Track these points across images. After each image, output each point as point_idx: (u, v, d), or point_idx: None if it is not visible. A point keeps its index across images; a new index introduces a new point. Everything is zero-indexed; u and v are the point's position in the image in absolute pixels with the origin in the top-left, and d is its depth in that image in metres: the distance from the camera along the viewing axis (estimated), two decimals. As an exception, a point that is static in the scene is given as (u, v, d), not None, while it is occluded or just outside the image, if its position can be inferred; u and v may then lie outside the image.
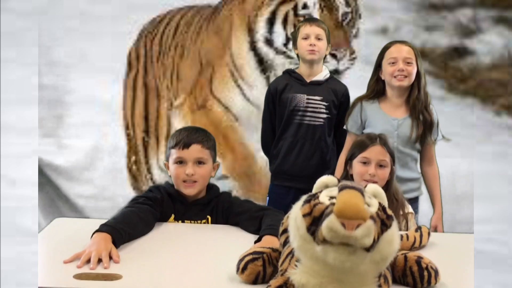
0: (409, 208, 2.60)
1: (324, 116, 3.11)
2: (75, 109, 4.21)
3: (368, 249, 1.38)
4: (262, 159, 4.09)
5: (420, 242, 2.05)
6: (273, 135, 3.22)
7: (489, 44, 4.23)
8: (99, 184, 4.20)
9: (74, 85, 4.19)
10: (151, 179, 4.25)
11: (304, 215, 1.44)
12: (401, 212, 2.53)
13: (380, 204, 1.45)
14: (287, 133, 3.14)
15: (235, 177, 4.16)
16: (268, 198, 3.28)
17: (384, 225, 1.42)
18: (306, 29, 3.07)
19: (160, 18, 4.22)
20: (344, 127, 3.04)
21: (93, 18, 4.18)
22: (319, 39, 3.06)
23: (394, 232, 1.44)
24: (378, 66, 2.97)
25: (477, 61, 4.21)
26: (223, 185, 4.07)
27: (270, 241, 1.93)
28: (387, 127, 2.87)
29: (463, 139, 3.92)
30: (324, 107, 3.10)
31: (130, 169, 4.22)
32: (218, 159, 3.37)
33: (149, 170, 4.25)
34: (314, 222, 1.42)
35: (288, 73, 3.20)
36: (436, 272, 1.66)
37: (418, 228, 2.10)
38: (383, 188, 2.45)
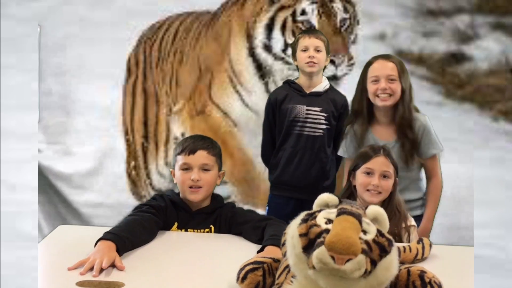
0: (411, 221, 2.59)
1: (324, 127, 3.11)
2: (74, 115, 4.22)
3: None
4: (260, 165, 4.09)
5: (423, 254, 2.06)
6: (273, 145, 3.23)
7: (486, 50, 4.24)
8: (99, 189, 4.21)
9: (74, 91, 4.21)
10: (150, 184, 4.26)
11: (301, 235, 1.43)
12: (403, 225, 2.52)
13: (378, 230, 1.44)
14: (286, 143, 3.15)
15: (234, 183, 4.17)
16: (267, 207, 3.28)
17: (383, 251, 1.41)
18: (305, 41, 3.08)
19: (159, 24, 4.24)
20: (338, 153, 3.03)
21: (93, 24, 4.20)
22: (318, 51, 3.06)
23: (393, 258, 1.44)
24: (362, 83, 2.88)
25: (474, 67, 4.22)
26: (222, 190, 4.07)
27: (272, 251, 1.93)
28: None
29: (461, 145, 3.94)
30: (323, 118, 3.11)
31: (129, 175, 4.23)
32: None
33: (148, 176, 4.26)
34: (310, 243, 1.41)
35: (288, 83, 3.20)
36: (440, 286, 1.62)
37: (420, 240, 2.11)
38: (386, 199, 2.49)
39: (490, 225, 3.22)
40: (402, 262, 1.95)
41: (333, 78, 3.98)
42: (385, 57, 2.90)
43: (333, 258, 1.35)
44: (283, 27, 4.03)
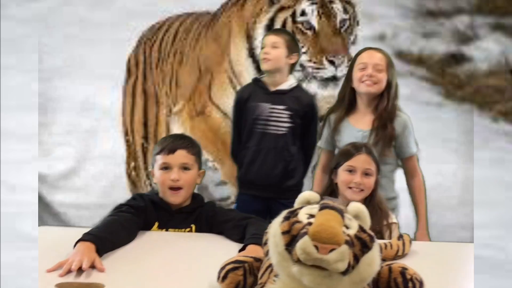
0: (393, 218, 2.59)
1: (288, 125, 3.04)
2: (74, 116, 4.22)
3: (344, 273, 1.38)
4: (260, 165, 4.10)
5: (403, 250, 2.06)
6: (239, 143, 3.19)
7: (486, 50, 4.25)
8: (98, 190, 4.21)
9: (74, 91, 4.21)
10: (150, 185, 4.26)
11: (283, 233, 1.44)
12: (384, 222, 2.52)
13: (360, 226, 1.45)
14: (250, 142, 3.10)
15: (233, 183, 4.16)
16: (235, 205, 3.26)
17: (365, 247, 1.42)
18: (265, 39, 3.06)
19: (159, 25, 4.24)
20: (318, 144, 3.02)
21: (93, 25, 4.21)
22: (274, 47, 3.01)
23: (374, 254, 1.45)
24: (349, 74, 2.87)
25: (474, 68, 4.24)
26: (222, 191, 4.08)
27: (254, 250, 1.91)
28: (352, 139, 2.73)
29: (460, 145, 3.94)
30: (287, 116, 3.04)
31: (129, 175, 4.23)
32: (216, 165, 3.37)
33: (148, 176, 4.26)
34: (292, 240, 1.41)
35: (255, 82, 3.16)
36: (421, 283, 1.63)
37: (400, 237, 2.11)
38: (367, 197, 2.50)
39: (489, 225, 3.23)
40: (383, 259, 1.96)
41: (333, 79, 3.97)
42: (375, 49, 2.90)
43: (316, 248, 1.35)
44: (283, 28, 4.03)
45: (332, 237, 1.35)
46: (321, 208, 1.43)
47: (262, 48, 3.06)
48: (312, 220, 1.41)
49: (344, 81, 2.92)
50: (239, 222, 2.21)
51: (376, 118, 2.80)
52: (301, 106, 3.07)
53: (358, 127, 2.84)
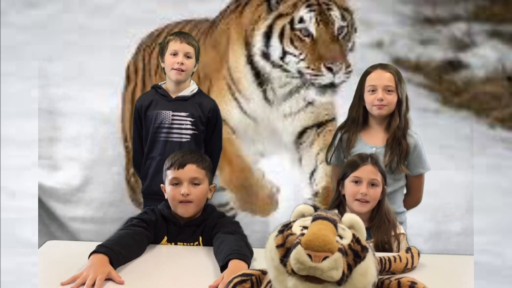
0: (400, 229, 2.59)
1: (190, 132, 3.03)
2: (73, 122, 4.23)
3: (339, 283, 1.38)
4: (259, 171, 4.11)
5: (412, 263, 2.08)
6: (143, 154, 3.14)
7: (483, 57, 4.27)
8: (97, 196, 4.21)
9: (73, 98, 4.22)
10: (149, 191, 4.27)
11: (278, 246, 1.45)
12: (392, 233, 2.52)
13: (354, 236, 1.45)
14: (154, 151, 3.06)
15: (232, 189, 4.18)
16: None
17: (357, 257, 1.42)
18: (176, 45, 3.01)
19: (158, 32, 4.25)
20: (327, 160, 3.01)
21: (92, 32, 4.22)
22: (188, 57, 3.00)
23: (368, 264, 1.44)
24: (359, 92, 2.87)
25: (471, 75, 4.25)
26: (221, 197, 4.10)
27: (238, 267, 1.90)
28: None
29: (458, 152, 3.95)
30: (190, 123, 3.03)
31: (128, 181, 4.24)
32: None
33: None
34: (287, 253, 1.42)
35: (155, 89, 3.13)
36: None
37: (408, 249, 2.13)
38: (374, 208, 2.51)
39: (487, 231, 3.24)
40: (393, 272, 1.98)
41: (331, 86, 4.00)
42: (383, 66, 2.88)
43: (310, 257, 1.36)
44: (281, 35, 4.05)
45: (325, 245, 1.36)
46: (314, 219, 1.43)
47: (172, 54, 3.00)
48: (305, 231, 1.41)
49: (355, 100, 2.91)
50: (220, 235, 2.19)
51: (389, 136, 2.83)
52: (204, 112, 3.05)
53: (371, 143, 2.86)
